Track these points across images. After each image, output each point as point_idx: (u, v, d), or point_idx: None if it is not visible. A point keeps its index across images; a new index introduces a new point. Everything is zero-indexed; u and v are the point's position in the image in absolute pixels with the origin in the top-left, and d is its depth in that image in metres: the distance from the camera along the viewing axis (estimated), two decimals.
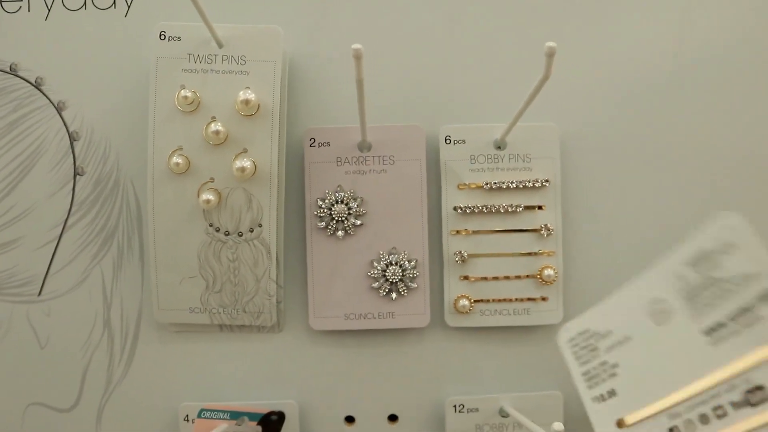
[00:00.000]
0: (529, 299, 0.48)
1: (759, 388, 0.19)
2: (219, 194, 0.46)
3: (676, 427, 0.20)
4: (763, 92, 0.50)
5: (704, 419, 0.19)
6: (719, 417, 0.19)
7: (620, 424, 0.21)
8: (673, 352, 0.20)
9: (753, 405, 0.18)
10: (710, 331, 0.20)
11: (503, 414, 0.48)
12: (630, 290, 0.23)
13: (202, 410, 0.45)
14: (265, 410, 0.47)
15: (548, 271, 0.47)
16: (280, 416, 0.48)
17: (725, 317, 0.19)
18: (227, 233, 0.47)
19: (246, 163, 0.45)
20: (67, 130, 0.49)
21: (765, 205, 0.50)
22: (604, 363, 0.22)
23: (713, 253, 0.21)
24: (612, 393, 0.21)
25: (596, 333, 0.23)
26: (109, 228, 0.49)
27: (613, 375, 0.22)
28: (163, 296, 0.48)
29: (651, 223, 0.49)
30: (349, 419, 0.50)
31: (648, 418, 0.20)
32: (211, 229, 0.47)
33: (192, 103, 0.45)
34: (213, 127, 0.45)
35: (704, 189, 0.49)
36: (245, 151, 0.46)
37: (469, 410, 0.48)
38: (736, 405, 0.19)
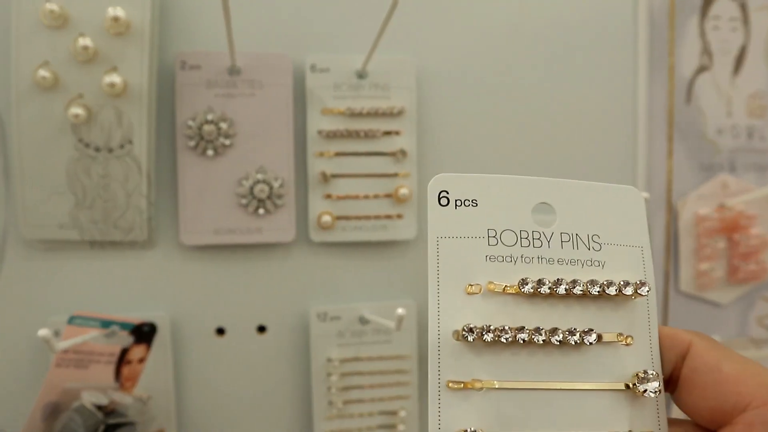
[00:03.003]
0: (386, 216, 0.53)
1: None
2: (89, 110, 0.47)
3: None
4: (586, 53, 0.58)
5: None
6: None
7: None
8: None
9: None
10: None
11: (363, 321, 0.53)
12: (521, 183, 0.25)
13: (72, 317, 0.47)
14: (137, 320, 0.50)
15: (403, 191, 0.52)
16: (152, 327, 0.50)
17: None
18: (97, 149, 0.48)
19: (116, 79, 0.46)
20: None
21: (579, 134, 0.58)
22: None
23: None
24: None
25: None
26: None
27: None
28: (30, 212, 0.48)
29: (494, 148, 0.56)
30: (220, 331, 0.53)
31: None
32: (80, 144, 0.48)
33: (59, 17, 0.46)
34: (81, 42, 0.46)
35: (539, 121, 0.57)
36: (115, 69, 0.47)
37: (332, 318, 0.53)
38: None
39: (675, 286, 0.62)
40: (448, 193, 0.24)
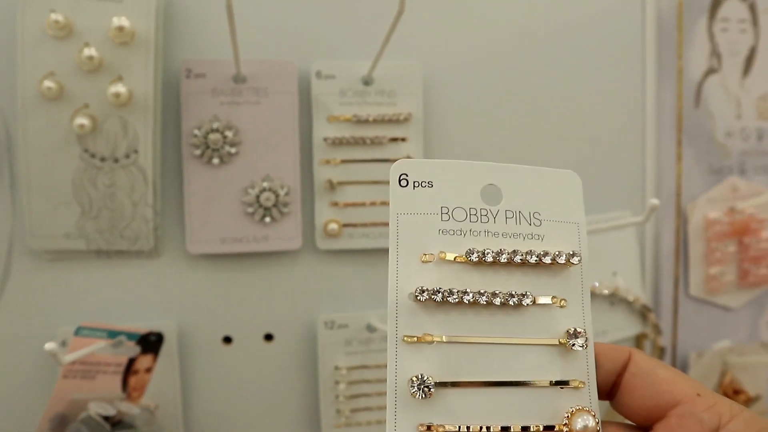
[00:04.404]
0: None
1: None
2: (94, 120, 0.47)
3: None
4: (593, 57, 0.57)
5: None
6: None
7: None
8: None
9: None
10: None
11: (370, 329, 0.53)
12: (471, 167, 0.28)
13: (79, 328, 0.47)
14: (143, 330, 0.49)
15: None
16: (159, 337, 0.50)
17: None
18: (103, 159, 0.48)
19: (121, 88, 0.46)
20: None
21: (587, 139, 0.57)
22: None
23: None
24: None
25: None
26: None
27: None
28: (36, 223, 0.48)
29: (501, 153, 0.55)
30: (227, 339, 0.53)
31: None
32: (86, 154, 0.48)
33: (63, 28, 0.46)
34: (86, 52, 0.46)
35: (547, 126, 0.56)
36: (120, 78, 0.47)
37: (339, 326, 0.53)
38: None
39: (685, 290, 0.62)
40: (407, 176, 0.27)
